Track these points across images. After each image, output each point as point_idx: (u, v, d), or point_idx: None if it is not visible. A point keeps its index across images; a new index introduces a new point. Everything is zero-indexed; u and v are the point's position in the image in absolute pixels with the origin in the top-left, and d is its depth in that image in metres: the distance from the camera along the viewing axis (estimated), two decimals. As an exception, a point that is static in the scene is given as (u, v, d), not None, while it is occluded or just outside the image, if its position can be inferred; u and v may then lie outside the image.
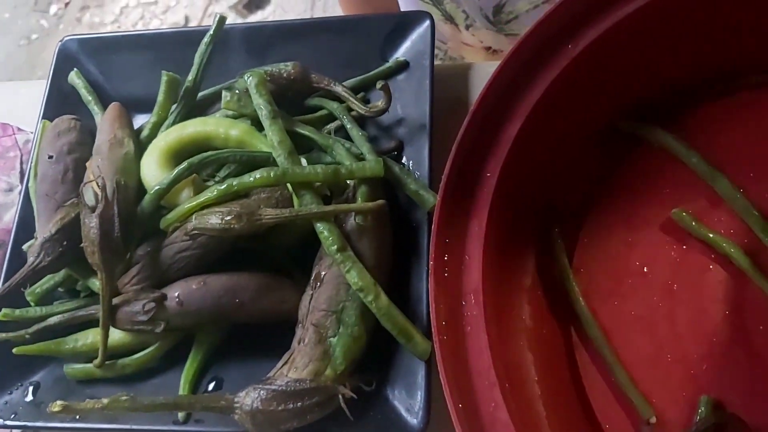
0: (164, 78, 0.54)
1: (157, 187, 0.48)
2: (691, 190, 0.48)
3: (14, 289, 0.49)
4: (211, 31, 0.54)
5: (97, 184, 0.47)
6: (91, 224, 0.46)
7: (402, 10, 0.73)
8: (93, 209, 0.46)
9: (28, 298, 0.52)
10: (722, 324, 0.45)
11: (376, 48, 0.56)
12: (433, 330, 0.40)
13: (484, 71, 0.56)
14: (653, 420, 0.43)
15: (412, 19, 0.55)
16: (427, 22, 0.54)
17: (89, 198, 0.47)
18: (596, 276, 0.48)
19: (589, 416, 0.45)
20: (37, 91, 0.62)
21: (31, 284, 0.52)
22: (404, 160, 0.52)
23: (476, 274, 0.42)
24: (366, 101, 0.55)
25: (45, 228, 0.50)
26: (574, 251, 0.49)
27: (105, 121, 0.53)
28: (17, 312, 0.51)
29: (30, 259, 0.49)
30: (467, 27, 0.72)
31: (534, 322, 0.47)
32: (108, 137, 0.52)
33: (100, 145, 0.52)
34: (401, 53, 0.56)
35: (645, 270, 0.47)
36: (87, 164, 0.51)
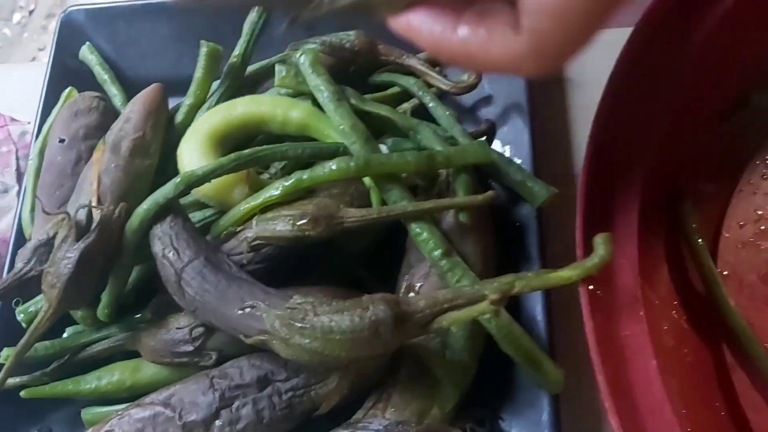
0: (204, 50, 0.43)
1: (179, 178, 0.37)
2: None
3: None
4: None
5: (98, 207, 0.37)
6: (68, 254, 0.36)
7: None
8: (78, 238, 0.36)
9: (20, 318, 0.42)
10: None
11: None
12: (593, 356, 0.31)
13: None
14: (843, 458, 0.35)
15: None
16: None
17: (80, 221, 0.37)
18: (747, 281, 0.39)
19: (756, 455, 0.36)
20: (35, 74, 0.51)
21: (25, 300, 0.42)
22: (498, 146, 0.43)
23: (633, 285, 0.33)
24: (443, 77, 0.46)
25: (41, 229, 0.40)
26: (716, 253, 0.40)
27: (137, 108, 0.41)
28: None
29: (18, 266, 0.39)
30: None
31: (675, 341, 0.38)
32: (134, 134, 0.41)
33: (119, 141, 0.41)
34: None
35: (807, 272, 0.39)
36: (94, 158, 0.41)
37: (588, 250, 0.32)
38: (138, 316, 0.41)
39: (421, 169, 0.38)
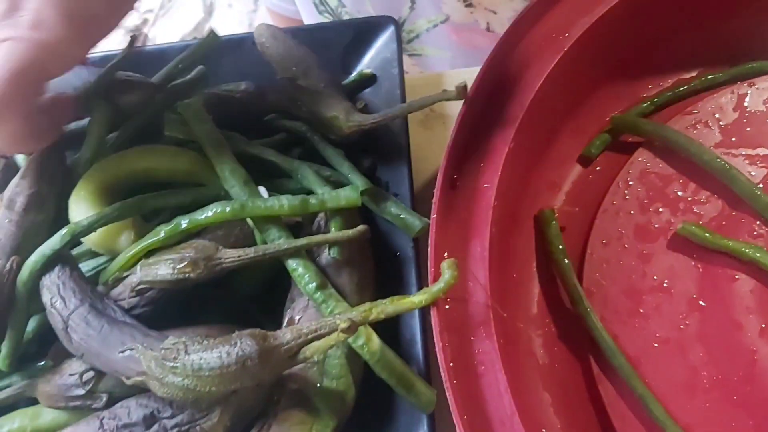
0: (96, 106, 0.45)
1: (65, 230, 0.39)
2: (705, 191, 0.43)
3: None
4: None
5: None
6: None
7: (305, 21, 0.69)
8: None
9: None
10: (759, 337, 0.39)
11: (337, 59, 0.50)
12: (442, 373, 0.33)
13: (456, 78, 0.50)
14: (700, 457, 0.37)
15: (374, 26, 0.49)
16: (392, 28, 0.49)
17: None
18: (611, 296, 0.42)
19: (623, 461, 0.38)
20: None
21: None
22: (381, 180, 0.46)
23: (483, 304, 0.35)
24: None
25: None
26: (581, 271, 0.43)
27: (34, 165, 0.43)
28: None
29: None
30: None
31: (547, 356, 0.41)
32: (29, 189, 0.43)
33: (15, 196, 0.43)
34: (365, 64, 0.50)
35: (665, 285, 0.41)
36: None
37: (438, 275, 0.35)
38: (40, 364, 0.42)
39: (295, 212, 0.40)
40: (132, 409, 0.38)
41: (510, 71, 0.40)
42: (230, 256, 0.39)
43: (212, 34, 0.48)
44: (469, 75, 0.49)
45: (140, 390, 0.38)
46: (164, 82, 0.48)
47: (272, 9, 0.84)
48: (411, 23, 0.62)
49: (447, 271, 0.34)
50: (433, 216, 0.36)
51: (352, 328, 0.32)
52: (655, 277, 0.42)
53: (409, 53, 0.66)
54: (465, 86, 0.38)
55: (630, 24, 0.42)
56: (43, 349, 0.43)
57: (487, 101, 0.39)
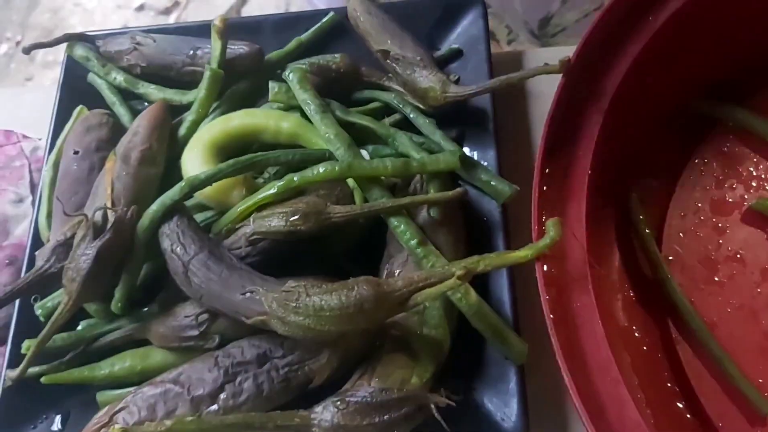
0: (207, 73, 0.48)
1: (184, 182, 0.42)
2: (777, 169, 0.45)
3: (22, 296, 0.43)
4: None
5: (113, 210, 0.42)
6: (86, 251, 0.40)
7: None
8: (96, 238, 0.41)
9: (38, 312, 0.46)
10: (829, 305, 0.42)
11: (424, 36, 0.52)
12: (548, 323, 0.36)
13: (539, 57, 0.53)
14: (772, 414, 0.40)
15: (462, 4, 0.52)
16: (480, 7, 0.51)
17: (97, 222, 0.41)
18: (688, 264, 0.45)
19: (699, 417, 0.41)
20: (43, 96, 0.56)
21: (42, 296, 0.46)
22: (467, 150, 0.49)
23: (581, 261, 0.38)
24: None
25: (60, 230, 0.45)
26: (660, 240, 0.46)
27: (144, 123, 0.46)
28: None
29: (38, 263, 0.43)
30: (509, 42, 0.69)
31: (626, 318, 0.43)
32: (142, 146, 0.46)
33: (129, 152, 0.46)
34: (453, 40, 0.52)
35: (739, 255, 0.44)
36: (107, 167, 0.45)
37: (541, 233, 0.38)
38: (146, 309, 0.45)
39: (397, 173, 0.43)
40: (245, 349, 0.41)
41: (605, 49, 0.42)
42: (339, 211, 0.42)
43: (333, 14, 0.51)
44: (549, 54, 0.51)
45: (251, 332, 0.41)
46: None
47: None
48: (560, 17, 0.63)
49: (552, 228, 0.37)
50: (536, 179, 0.39)
51: (467, 276, 0.35)
52: (729, 248, 0.44)
53: (550, 46, 0.66)
54: (568, 59, 0.41)
55: (713, 12, 0.45)
56: (148, 298, 0.46)
57: (584, 77, 0.42)
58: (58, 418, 0.45)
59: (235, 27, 0.50)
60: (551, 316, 0.36)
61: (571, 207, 0.39)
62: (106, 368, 0.44)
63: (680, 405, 0.42)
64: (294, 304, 0.37)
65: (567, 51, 0.43)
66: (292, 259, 0.44)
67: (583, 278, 0.38)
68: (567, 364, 0.35)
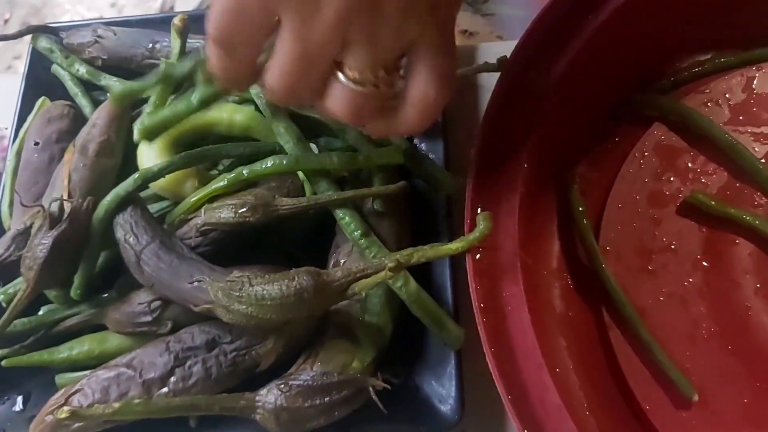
0: (162, 66, 0.49)
1: (138, 174, 0.44)
2: (713, 164, 0.47)
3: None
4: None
5: (69, 201, 0.43)
6: (42, 241, 0.42)
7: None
8: (52, 227, 0.42)
9: (0, 298, 0.48)
10: (754, 295, 0.44)
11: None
12: (475, 312, 0.38)
13: (490, 51, 0.54)
14: (695, 398, 0.42)
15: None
16: None
17: (53, 213, 0.42)
18: (624, 254, 0.46)
19: (628, 399, 0.43)
20: (9, 83, 0.57)
21: (4, 283, 0.48)
22: (417, 143, 0.50)
23: (511, 253, 0.40)
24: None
25: (19, 220, 0.46)
26: (598, 230, 0.47)
27: (103, 115, 0.48)
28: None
29: None
30: None
31: (563, 305, 0.45)
32: (100, 137, 0.48)
33: (87, 143, 0.47)
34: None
35: (673, 246, 0.46)
36: (65, 158, 0.47)
37: (473, 226, 0.39)
38: (105, 295, 0.47)
39: (343, 167, 0.45)
40: (195, 335, 0.43)
41: (545, 46, 0.44)
42: (286, 203, 0.44)
43: None
44: (501, 48, 0.53)
45: (202, 319, 0.43)
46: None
47: None
48: None
49: (482, 222, 0.38)
50: (470, 173, 0.41)
51: (399, 268, 0.37)
52: (664, 239, 0.46)
53: (482, 13, 0.67)
54: (505, 58, 0.42)
55: (652, 10, 0.46)
56: (107, 283, 0.48)
57: (523, 73, 0.43)
58: (19, 399, 0.47)
59: (198, 18, 0.51)
60: (480, 305, 0.38)
61: (505, 200, 0.41)
62: (65, 352, 0.46)
63: (612, 388, 0.44)
64: (237, 294, 0.39)
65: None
66: (244, 249, 0.46)
67: (513, 269, 0.40)
68: (492, 349, 0.37)
